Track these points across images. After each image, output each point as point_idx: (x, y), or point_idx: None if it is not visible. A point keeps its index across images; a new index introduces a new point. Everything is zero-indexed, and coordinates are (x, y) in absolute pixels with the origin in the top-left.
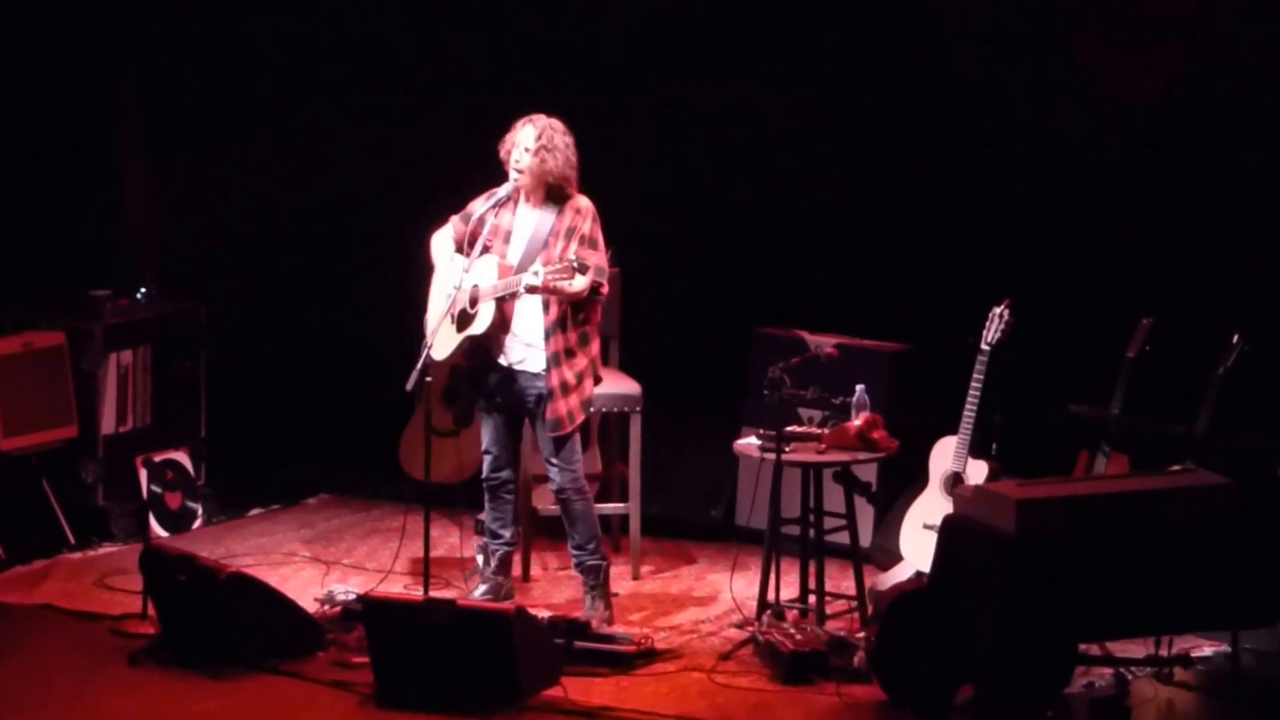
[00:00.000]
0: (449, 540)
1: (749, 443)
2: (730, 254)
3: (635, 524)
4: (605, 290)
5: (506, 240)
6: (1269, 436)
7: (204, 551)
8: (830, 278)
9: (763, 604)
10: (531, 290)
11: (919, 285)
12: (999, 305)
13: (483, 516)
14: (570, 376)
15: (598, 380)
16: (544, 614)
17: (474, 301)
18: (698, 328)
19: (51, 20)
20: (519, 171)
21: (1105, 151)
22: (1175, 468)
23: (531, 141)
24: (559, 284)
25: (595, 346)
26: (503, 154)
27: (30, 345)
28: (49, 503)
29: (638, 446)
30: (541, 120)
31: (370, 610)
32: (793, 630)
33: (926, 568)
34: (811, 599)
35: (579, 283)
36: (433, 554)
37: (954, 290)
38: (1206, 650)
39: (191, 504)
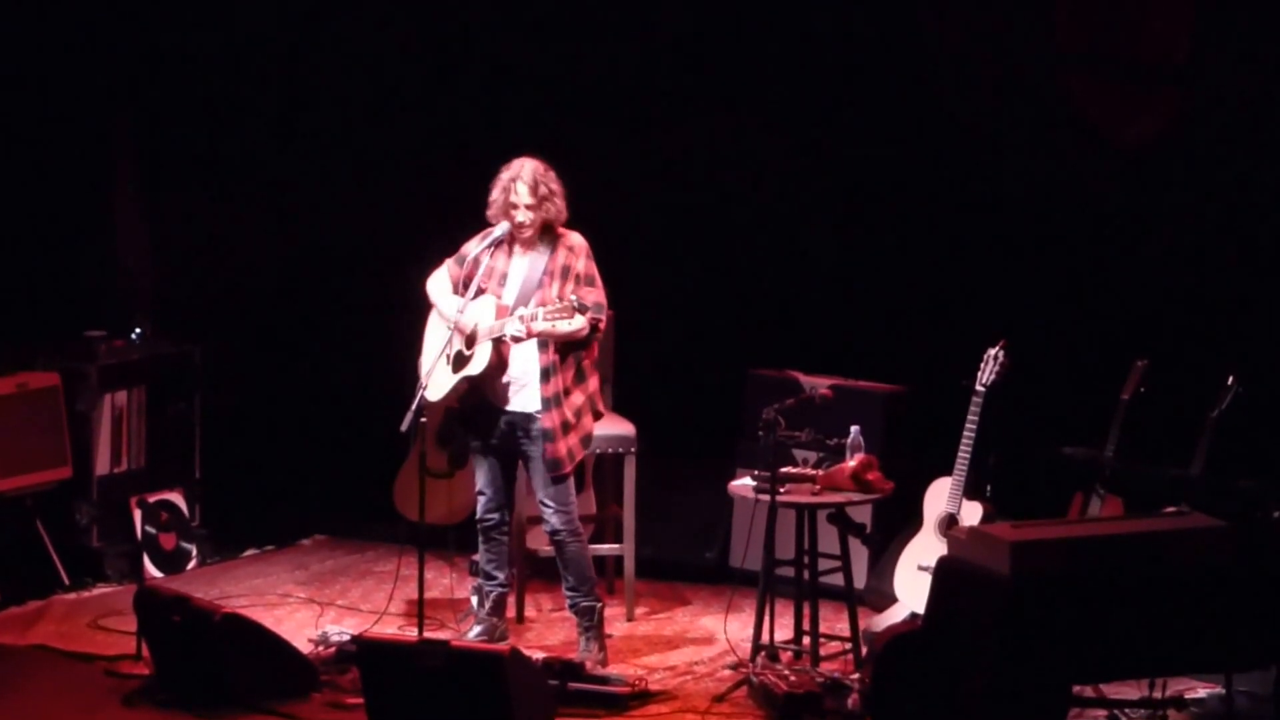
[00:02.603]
0: (443, 581)
1: (744, 484)
2: (724, 295)
3: (630, 565)
4: (603, 326)
5: (501, 282)
6: (1263, 479)
7: (198, 592)
8: (825, 319)
9: (757, 645)
10: (516, 340)
11: (914, 326)
12: (994, 347)
13: (477, 558)
14: (570, 415)
15: (598, 416)
16: (538, 655)
17: (470, 342)
18: (692, 369)
19: (48, 64)
20: (527, 228)
21: (1100, 194)
22: (1169, 510)
23: (529, 197)
24: (556, 325)
25: (594, 382)
26: (492, 213)
27: (25, 386)
28: (43, 543)
29: (632, 488)
30: (526, 171)
31: (365, 651)
32: (787, 672)
33: (921, 609)
34: (806, 640)
35: (576, 323)
36: (427, 595)
37: (949, 332)
38: (1201, 692)
39: (186, 545)
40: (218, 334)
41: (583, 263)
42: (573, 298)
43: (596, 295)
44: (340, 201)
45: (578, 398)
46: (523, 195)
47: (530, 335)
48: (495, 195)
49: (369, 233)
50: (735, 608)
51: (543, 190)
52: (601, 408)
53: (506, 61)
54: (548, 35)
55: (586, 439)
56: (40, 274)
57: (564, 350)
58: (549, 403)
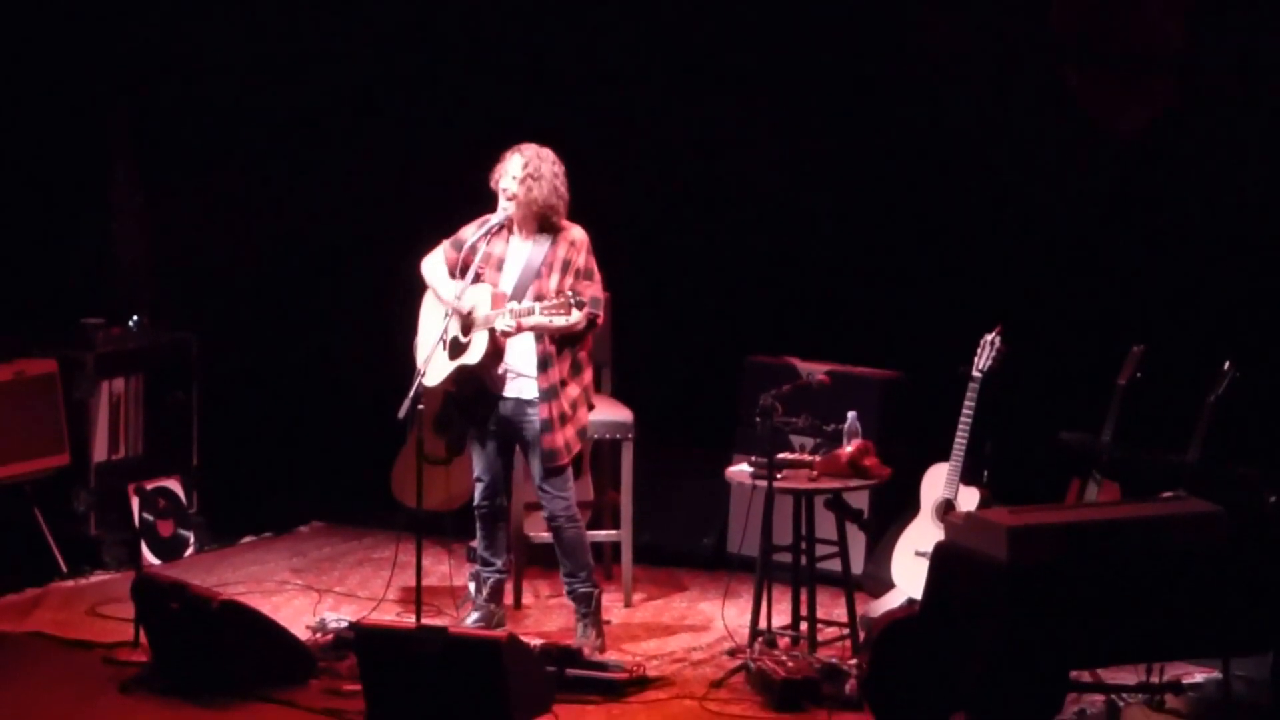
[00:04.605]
0: (441, 568)
1: (741, 470)
2: (722, 281)
3: (627, 551)
4: (600, 321)
5: (499, 269)
6: (1260, 464)
7: (196, 579)
8: (822, 305)
9: (754, 631)
10: (505, 335)
11: (911, 312)
12: (990, 332)
13: (475, 544)
14: (566, 407)
15: (590, 408)
16: (536, 642)
17: (467, 330)
18: (689, 355)
19: (45, 53)
20: (508, 199)
21: (1096, 181)
22: (1166, 495)
23: (519, 170)
24: (553, 320)
25: (588, 375)
26: (493, 183)
27: (22, 373)
28: (41, 531)
29: (630, 474)
30: (530, 149)
31: (362, 638)
32: (784, 658)
33: (918, 595)
34: (803, 626)
35: (572, 318)
36: (425, 582)
37: (945, 317)
38: (1198, 677)
39: (183, 532)
40: (215, 321)
41: (583, 257)
42: (570, 293)
43: (594, 290)
44: (336, 189)
45: (574, 390)
46: (513, 167)
47: (520, 330)
48: (497, 166)
49: (365, 220)
50: (733, 594)
51: (531, 169)
52: (594, 399)
53: (502, 47)
54: (543, 19)
55: (583, 432)
56: (37, 262)
57: (560, 342)
58: (546, 394)
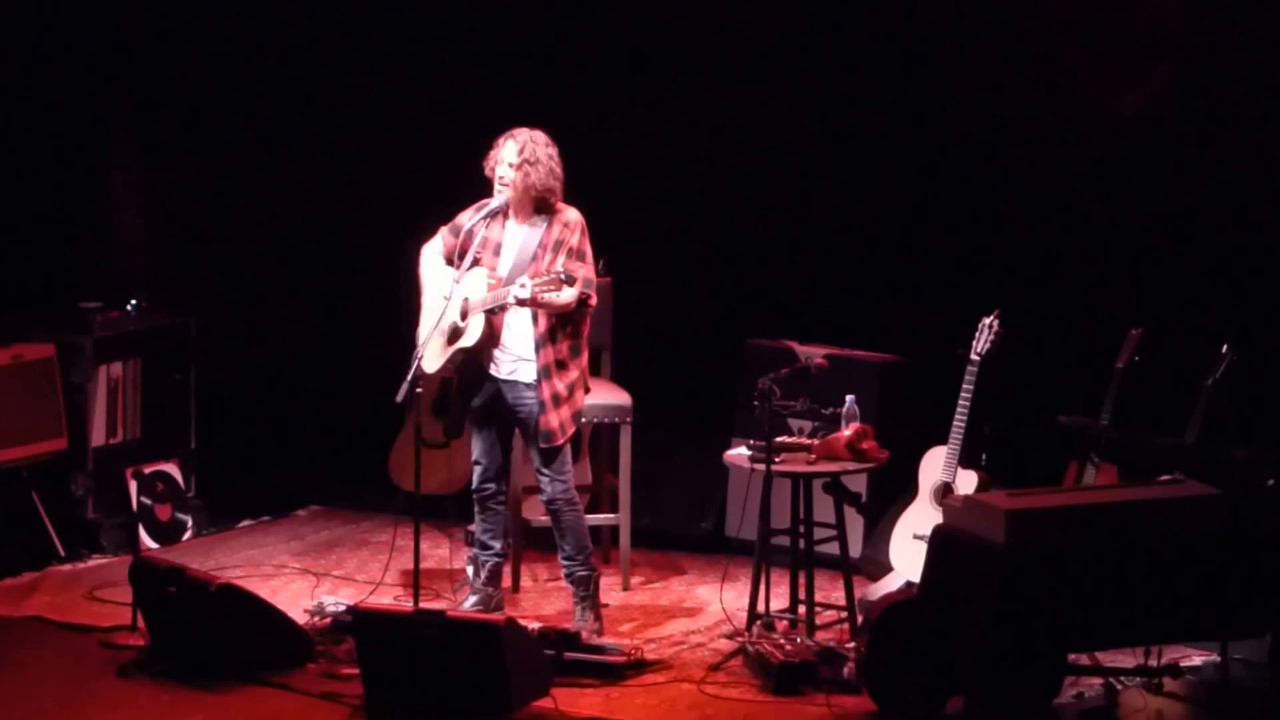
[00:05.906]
0: (439, 552)
1: (739, 453)
2: (721, 265)
3: (625, 535)
4: (593, 302)
5: (496, 253)
6: (1257, 447)
7: (194, 563)
8: (820, 289)
9: (752, 615)
10: (521, 303)
11: (909, 296)
12: (989, 316)
13: (473, 528)
14: (561, 388)
15: (586, 391)
16: (534, 625)
17: (464, 314)
18: (688, 339)
19: (43, 35)
20: (504, 186)
21: (1095, 164)
22: (1164, 478)
23: (514, 156)
24: (547, 296)
25: (584, 359)
26: (487, 170)
27: (20, 357)
28: (38, 515)
29: (628, 458)
30: (523, 134)
31: (360, 622)
32: (783, 641)
33: (916, 578)
34: (801, 610)
35: (566, 295)
36: (423, 565)
37: (944, 301)
38: (1196, 660)
39: (181, 516)
40: (213, 305)
41: (577, 238)
42: (560, 270)
43: (586, 271)
44: (335, 173)
45: (571, 372)
46: (508, 153)
47: (534, 300)
48: (490, 153)
49: (364, 204)
50: (731, 577)
51: (528, 154)
52: (589, 383)
53: (501, 31)
54: (542, 4)
55: (578, 415)
56: (35, 245)
57: (556, 325)
58: (542, 374)
